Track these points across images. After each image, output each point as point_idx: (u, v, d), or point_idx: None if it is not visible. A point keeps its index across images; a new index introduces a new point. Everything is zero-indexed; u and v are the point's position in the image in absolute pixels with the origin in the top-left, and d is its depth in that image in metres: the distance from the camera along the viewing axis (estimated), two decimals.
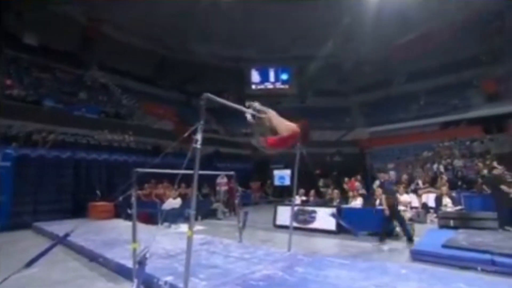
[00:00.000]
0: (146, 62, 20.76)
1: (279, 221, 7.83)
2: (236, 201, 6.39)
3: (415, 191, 9.52)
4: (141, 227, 5.67)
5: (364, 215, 6.82)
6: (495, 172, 6.37)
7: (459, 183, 10.59)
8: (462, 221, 6.52)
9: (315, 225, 7.19)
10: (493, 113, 16.03)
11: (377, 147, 18.32)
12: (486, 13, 17.45)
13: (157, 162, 3.72)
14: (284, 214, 7.62)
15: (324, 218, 6.86)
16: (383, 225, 6.01)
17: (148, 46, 20.48)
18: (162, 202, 8.60)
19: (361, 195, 8.45)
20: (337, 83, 23.85)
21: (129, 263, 3.84)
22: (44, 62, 15.24)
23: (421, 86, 20.32)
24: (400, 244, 5.61)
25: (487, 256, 3.93)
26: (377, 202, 6.86)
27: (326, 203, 8.11)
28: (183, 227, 7.49)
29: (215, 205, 10.35)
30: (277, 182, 16.53)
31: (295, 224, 7.12)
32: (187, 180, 7.20)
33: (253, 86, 24.81)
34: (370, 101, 22.60)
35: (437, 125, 18.10)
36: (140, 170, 3.71)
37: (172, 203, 8.40)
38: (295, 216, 7.35)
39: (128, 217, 7.45)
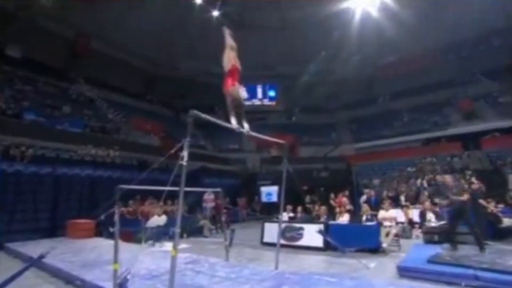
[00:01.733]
0: (135, 77, 20.84)
1: (266, 238, 7.71)
2: (223, 218, 6.28)
3: (401, 207, 9.64)
4: (124, 246, 5.45)
5: (351, 231, 6.82)
6: (473, 187, 6.58)
7: (440, 198, 10.83)
8: (446, 236, 6.62)
9: (302, 242, 7.12)
10: (469, 131, 16.82)
11: (363, 163, 18.64)
12: (461, 41, 18.68)
13: (143, 178, 3.66)
14: (271, 231, 7.53)
15: (312, 234, 6.81)
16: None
17: (137, 61, 20.74)
18: (147, 219, 8.34)
19: (348, 211, 8.50)
20: (323, 100, 24.44)
21: (109, 286, 3.65)
22: (27, 74, 14.92)
23: (404, 104, 21.12)
24: (387, 260, 5.62)
25: (470, 271, 3.99)
26: (364, 218, 6.90)
27: (313, 220, 8.09)
28: (168, 246, 7.25)
29: (201, 222, 10.12)
30: (264, 199, 16.41)
31: (282, 241, 7.03)
32: (173, 196, 7.05)
33: None
34: (355, 118, 23.19)
35: (419, 142, 18.70)
36: (124, 186, 3.62)
37: (157, 220, 8.17)
38: (282, 233, 7.26)
39: (110, 235, 7.12)
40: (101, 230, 8.59)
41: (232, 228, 7.65)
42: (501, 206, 8.16)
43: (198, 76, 22.60)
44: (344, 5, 16.87)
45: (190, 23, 18.22)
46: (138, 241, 7.36)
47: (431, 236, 6.80)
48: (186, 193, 2.85)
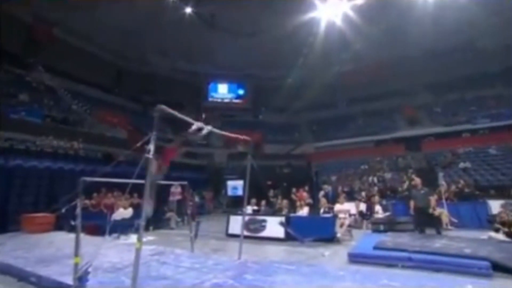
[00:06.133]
0: (102, 69, 19.39)
1: (231, 230, 7.73)
2: (189, 211, 6.16)
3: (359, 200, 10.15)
4: (87, 239, 5.13)
5: (310, 223, 7.10)
6: (412, 183, 7.23)
7: (388, 192, 11.71)
8: (389, 225, 7.24)
9: (265, 233, 7.26)
10: (412, 134, 18.49)
11: (322, 161, 19.45)
12: (411, 56, 20.19)
13: (108, 170, 3.46)
14: (236, 223, 7.55)
15: (274, 226, 6.98)
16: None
17: (105, 54, 19.40)
18: (112, 212, 7.89)
19: (308, 204, 8.82)
20: (288, 101, 24.96)
21: (68, 280, 3.39)
22: None
23: (360, 109, 22.45)
24: (341, 248, 5.94)
25: (405, 254, 4.43)
26: (321, 210, 7.22)
27: (275, 212, 8.28)
28: (133, 238, 6.94)
29: (168, 215, 9.85)
30: (230, 193, 16.38)
31: (246, 233, 7.10)
32: (141, 189, 6.75)
33: (210, 99, 24.70)
34: (317, 120, 24.05)
35: (371, 143, 19.98)
36: (87, 179, 3.39)
37: (123, 213, 7.77)
38: (246, 225, 7.34)
39: (72, 229, 6.60)
40: (62, 224, 7.95)
41: (197, 220, 7.55)
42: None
43: (167, 72, 21.90)
44: (311, 15, 17.31)
45: (162, 19, 17.45)
46: (102, 234, 6.93)
47: (378, 226, 7.36)
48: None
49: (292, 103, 25.11)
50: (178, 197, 11.06)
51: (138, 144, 3.00)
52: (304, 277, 3.58)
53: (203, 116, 23.41)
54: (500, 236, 5.50)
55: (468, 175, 13.26)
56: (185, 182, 6.16)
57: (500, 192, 10.67)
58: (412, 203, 6.65)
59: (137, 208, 8.11)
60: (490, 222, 6.02)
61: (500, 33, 16.89)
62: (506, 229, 5.45)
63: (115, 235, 7.16)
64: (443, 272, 3.89)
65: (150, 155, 2.61)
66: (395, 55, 20.07)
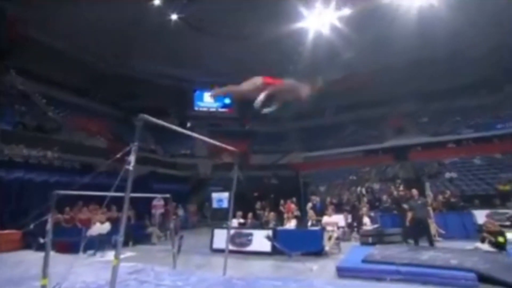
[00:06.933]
0: (81, 73, 18.81)
1: (216, 245, 7.61)
2: (172, 225, 6.05)
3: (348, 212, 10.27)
4: (58, 258, 4.92)
5: (297, 236, 7.11)
6: (400, 194, 7.44)
7: (377, 203, 11.93)
8: (378, 237, 7.36)
9: (251, 247, 7.19)
10: (400, 144, 19.08)
11: (311, 171, 19.66)
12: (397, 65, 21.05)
13: (86, 182, 3.36)
14: (221, 237, 7.43)
15: (260, 240, 6.93)
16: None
17: (84, 56, 18.69)
18: (87, 227, 7.59)
19: (296, 216, 8.84)
20: (275, 110, 25.21)
21: None
22: None
23: (348, 118, 22.98)
24: (329, 262, 5.96)
25: (393, 267, 4.51)
26: (309, 223, 7.25)
27: (262, 225, 8.24)
28: (110, 255, 6.70)
29: (149, 229, 9.59)
30: (215, 205, 16.20)
31: (232, 247, 7.04)
32: (120, 203, 6.56)
33: (196, 108, 24.63)
34: (305, 128, 24.38)
35: (360, 152, 20.43)
36: (60, 192, 3.28)
37: (100, 228, 7.52)
38: (232, 239, 7.27)
39: (41, 247, 6.31)
40: (29, 242, 7.54)
41: (180, 235, 7.40)
42: None
43: (151, 77, 21.51)
44: (299, 24, 17.83)
45: (147, 23, 17.36)
46: (76, 251, 6.63)
47: (366, 238, 7.45)
48: (134, 199, 2.71)
49: (279, 112, 25.36)
50: (161, 210, 10.84)
51: (118, 156, 2.95)
52: None
53: (188, 125, 23.33)
54: (486, 246, 5.70)
55: (454, 185, 13.76)
56: (167, 195, 6.06)
57: (485, 201, 11.15)
58: (409, 215, 6.83)
59: (115, 223, 7.87)
60: (478, 231, 6.25)
61: (484, 43, 17.91)
62: (492, 239, 5.66)
63: (90, 252, 6.89)
64: (431, 284, 3.99)
65: (131, 167, 2.58)
66: (381, 64, 20.82)
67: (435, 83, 20.48)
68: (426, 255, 5.07)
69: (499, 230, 5.75)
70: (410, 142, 19.14)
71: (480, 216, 8.21)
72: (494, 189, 12.57)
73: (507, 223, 7.28)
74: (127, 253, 7.26)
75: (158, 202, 10.82)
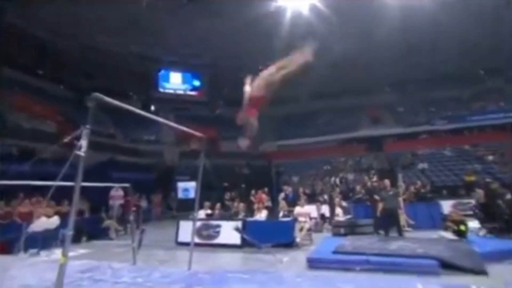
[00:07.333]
0: (26, 46, 17.29)
1: (181, 238, 7.58)
2: (131, 217, 5.90)
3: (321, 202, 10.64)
4: None
5: (268, 227, 7.28)
6: (373, 184, 7.87)
7: (350, 194, 12.51)
8: (350, 228, 7.76)
9: (219, 240, 7.27)
10: (375, 134, 20.04)
11: (284, 160, 20.05)
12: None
13: (27, 170, 3.14)
14: (187, 230, 7.39)
15: (229, 232, 7.01)
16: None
17: (31, 27, 17.04)
18: (29, 222, 7.03)
19: (267, 207, 9.03)
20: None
21: None
22: None
23: (323, 105, 23.53)
24: (300, 254, 6.20)
25: (363, 257, 4.82)
26: (281, 214, 7.44)
27: (231, 217, 8.33)
28: (58, 254, 6.38)
29: (106, 223, 9.28)
30: (181, 195, 16.04)
31: (199, 240, 7.06)
32: (69, 194, 6.21)
33: (161, 89, 23.77)
34: (279, 115, 24.47)
35: (335, 142, 21.14)
36: None
37: (46, 223, 7.10)
38: (199, 232, 7.29)
39: None
40: None
41: (142, 228, 7.26)
42: None
43: (113, 56, 20.18)
44: (276, 3, 17.65)
45: None
46: (15, 251, 6.19)
47: (338, 229, 7.83)
48: (88, 190, 2.59)
49: None
50: (119, 201, 10.51)
51: (67, 139, 2.78)
52: (259, 285, 3.67)
53: (152, 108, 22.53)
54: (449, 234, 6.28)
55: (425, 175, 14.81)
56: (127, 184, 5.87)
57: (452, 192, 12.17)
58: (380, 205, 7.23)
59: (65, 217, 7.47)
60: (443, 220, 6.84)
61: (465, 38, 18.95)
62: (455, 227, 6.23)
63: (33, 251, 6.47)
64: (398, 273, 4.32)
65: (82, 153, 2.44)
66: (361, 52, 21.38)
67: (413, 73, 21.51)
68: (394, 245, 5.45)
69: (461, 219, 6.33)
70: (385, 132, 20.17)
71: (447, 206, 9.00)
72: (461, 180, 13.74)
73: (470, 212, 8.01)
74: (80, 250, 7.01)
75: (116, 193, 10.46)
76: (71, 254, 5.90)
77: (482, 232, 6.73)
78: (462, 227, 6.13)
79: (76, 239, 7.40)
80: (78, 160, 2.48)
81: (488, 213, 6.96)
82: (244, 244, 6.78)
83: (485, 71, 21.28)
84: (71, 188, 2.62)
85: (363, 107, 22.63)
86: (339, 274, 4.37)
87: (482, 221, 6.98)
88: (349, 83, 22.73)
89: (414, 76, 21.71)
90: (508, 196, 7.88)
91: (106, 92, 2.95)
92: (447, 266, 4.36)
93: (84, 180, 2.61)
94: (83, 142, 2.43)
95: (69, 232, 2.39)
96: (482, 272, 4.16)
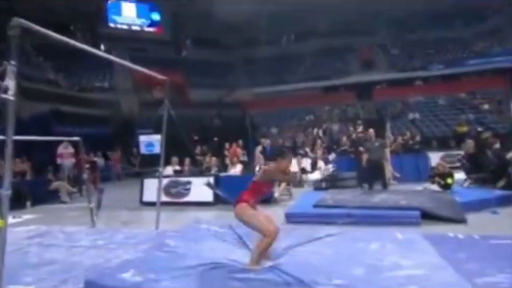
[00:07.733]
0: None
1: (147, 197, 7.68)
2: (85, 176, 5.81)
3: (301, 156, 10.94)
4: None
5: (243, 182, 7.43)
6: (359, 135, 8.14)
7: (334, 146, 12.94)
8: (332, 182, 8.17)
9: (190, 197, 7.45)
10: (365, 80, 20.20)
11: (261, 110, 20.02)
12: None
13: None
14: (153, 188, 7.45)
15: (200, 189, 7.14)
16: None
17: None
18: None
19: (242, 162, 9.19)
20: (220, 33, 23.88)
21: None
22: None
23: (308, 47, 23.00)
24: (278, 209, 6.50)
25: (344, 211, 5.18)
26: (257, 168, 7.61)
27: (202, 173, 8.44)
28: None
29: (55, 184, 9.12)
30: (144, 150, 15.89)
31: (167, 199, 7.20)
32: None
33: (111, 24, 22.04)
34: (256, 58, 23.69)
35: (320, 89, 21.20)
36: None
37: None
38: (166, 189, 7.40)
39: None
40: None
41: (100, 188, 7.23)
42: None
43: None
44: None
45: None
46: None
47: (320, 183, 8.22)
48: (28, 146, 2.44)
49: (224, 36, 24.14)
50: (71, 159, 10.24)
51: None
52: (236, 241, 3.86)
53: (102, 47, 21.05)
54: (435, 187, 6.77)
55: (415, 126, 15.47)
56: (77, 138, 5.66)
57: (442, 143, 12.91)
58: (364, 157, 7.54)
59: None
60: (431, 177, 7.30)
61: None
62: (441, 181, 6.70)
63: None
64: (380, 225, 4.68)
65: (10, 96, 2.25)
66: None
67: (412, 9, 21.08)
68: (378, 198, 5.86)
69: (448, 172, 6.80)
70: (376, 78, 20.36)
71: (435, 158, 9.57)
72: (452, 131, 14.53)
73: (458, 164, 8.58)
74: (25, 216, 6.94)
75: (66, 150, 10.13)
76: (13, 220, 5.87)
77: (467, 183, 7.34)
78: (449, 180, 6.59)
79: (18, 204, 7.31)
80: (7, 107, 2.29)
81: (475, 164, 7.50)
82: (218, 201, 6.99)
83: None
84: (2, 144, 2.45)
85: (354, 49, 22.43)
86: (318, 227, 4.66)
87: (468, 172, 7.56)
88: (338, 22, 22.07)
89: (411, 13, 21.38)
90: (497, 146, 8.49)
91: (42, 26, 2.66)
92: (429, 217, 4.77)
93: (21, 134, 2.45)
94: (10, 83, 2.23)
95: (6, 192, 2.29)
96: (461, 221, 4.62)
